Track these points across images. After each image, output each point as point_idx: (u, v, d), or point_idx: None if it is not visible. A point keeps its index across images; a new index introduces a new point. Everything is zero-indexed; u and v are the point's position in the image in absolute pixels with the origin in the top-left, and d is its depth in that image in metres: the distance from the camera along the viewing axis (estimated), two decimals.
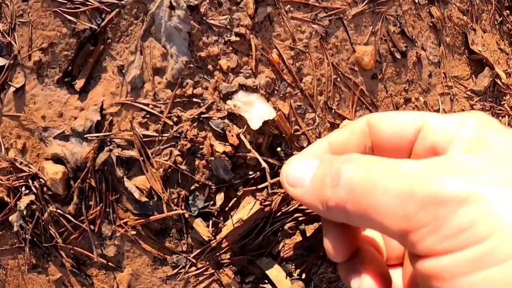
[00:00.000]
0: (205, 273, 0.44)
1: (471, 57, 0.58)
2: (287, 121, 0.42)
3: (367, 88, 0.46)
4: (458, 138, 0.23)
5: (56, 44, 0.41)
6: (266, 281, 0.44)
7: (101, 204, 0.42)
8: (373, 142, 0.28)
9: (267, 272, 0.43)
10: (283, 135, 0.42)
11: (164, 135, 0.41)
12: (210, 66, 0.41)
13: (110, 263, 0.44)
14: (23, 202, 0.42)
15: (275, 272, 0.43)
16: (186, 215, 0.42)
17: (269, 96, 0.42)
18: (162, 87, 0.41)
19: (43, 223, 0.43)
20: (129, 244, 0.43)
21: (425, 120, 0.25)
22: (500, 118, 0.59)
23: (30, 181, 0.42)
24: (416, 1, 0.49)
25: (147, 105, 0.41)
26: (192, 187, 0.42)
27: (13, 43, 0.41)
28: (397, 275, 0.30)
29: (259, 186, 0.42)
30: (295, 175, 0.28)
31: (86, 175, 0.41)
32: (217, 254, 0.43)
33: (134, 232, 0.42)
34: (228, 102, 0.40)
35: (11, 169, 0.43)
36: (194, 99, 0.41)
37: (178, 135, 0.41)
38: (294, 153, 0.42)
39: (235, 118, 0.41)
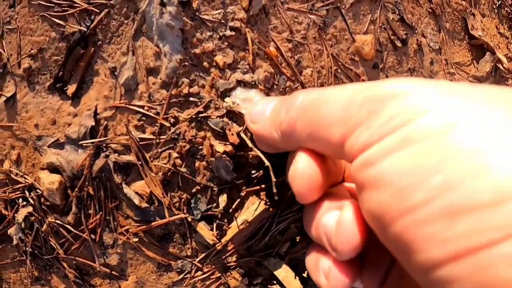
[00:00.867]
0: (211, 277, 0.42)
1: (471, 42, 0.57)
2: None
3: (368, 78, 0.45)
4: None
5: (45, 49, 0.39)
6: (275, 282, 0.43)
7: (100, 212, 0.41)
8: None
9: (275, 273, 0.42)
10: None
11: (161, 137, 0.39)
12: (205, 63, 0.39)
13: (113, 272, 0.43)
14: (20, 215, 0.41)
15: (284, 273, 0.42)
16: (189, 219, 0.40)
17: (268, 91, 0.40)
18: (157, 88, 0.39)
19: (42, 234, 0.42)
20: (132, 252, 0.42)
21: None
22: None
23: (26, 192, 0.41)
24: None
25: (142, 107, 0.39)
26: (194, 190, 0.40)
27: (1, 51, 0.40)
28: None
29: (262, 186, 0.40)
30: (257, 112, 0.31)
31: (83, 183, 0.40)
32: (223, 257, 0.42)
33: (137, 239, 0.41)
34: (226, 99, 0.39)
35: (7, 181, 0.42)
36: (191, 98, 0.39)
37: (176, 136, 0.39)
38: None
39: (235, 116, 0.39)
